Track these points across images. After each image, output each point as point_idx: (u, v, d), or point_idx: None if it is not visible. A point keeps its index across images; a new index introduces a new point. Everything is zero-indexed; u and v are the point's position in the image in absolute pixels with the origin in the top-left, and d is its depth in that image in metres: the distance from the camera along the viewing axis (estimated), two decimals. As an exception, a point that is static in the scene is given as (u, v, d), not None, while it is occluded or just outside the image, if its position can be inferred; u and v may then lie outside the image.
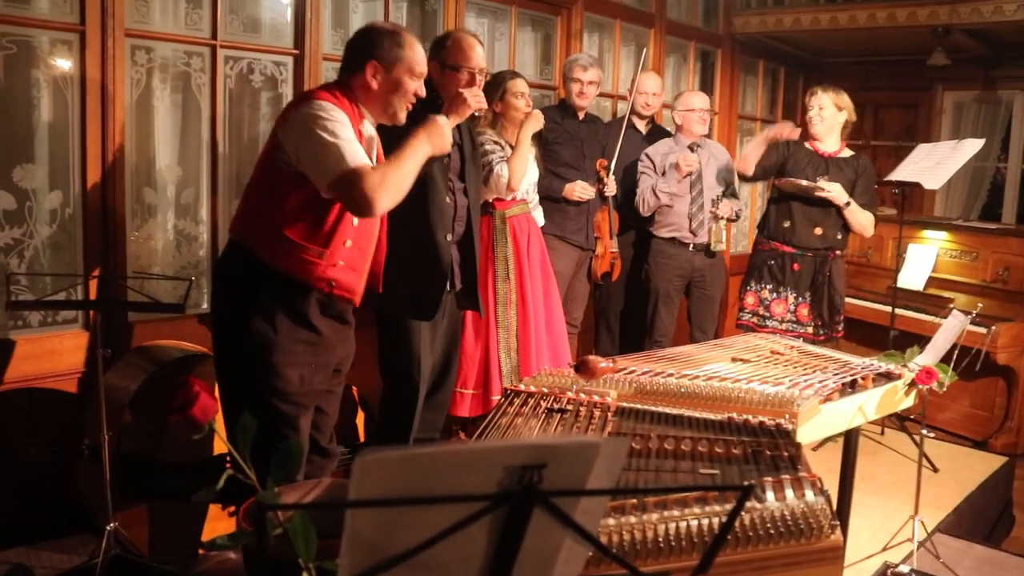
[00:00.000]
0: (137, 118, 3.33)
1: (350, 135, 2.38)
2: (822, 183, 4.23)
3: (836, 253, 4.38)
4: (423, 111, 3.01)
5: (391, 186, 2.33)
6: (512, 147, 3.76)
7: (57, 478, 3.08)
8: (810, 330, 4.34)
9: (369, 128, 2.61)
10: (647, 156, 4.63)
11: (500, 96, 3.80)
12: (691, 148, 4.61)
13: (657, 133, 4.93)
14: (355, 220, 2.47)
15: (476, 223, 3.41)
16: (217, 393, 2.74)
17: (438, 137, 2.50)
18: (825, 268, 4.34)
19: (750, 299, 4.46)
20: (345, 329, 2.69)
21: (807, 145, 4.45)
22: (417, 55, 2.57)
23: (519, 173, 3.69)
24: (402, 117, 2.60)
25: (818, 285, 4.33)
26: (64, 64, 3.10)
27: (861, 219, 4.31)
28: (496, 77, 3.83)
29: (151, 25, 3.32)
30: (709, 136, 5.01)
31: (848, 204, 4.24)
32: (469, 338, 3.81)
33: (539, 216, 4.17)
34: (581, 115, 4.53)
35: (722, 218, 4.57)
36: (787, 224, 4.34)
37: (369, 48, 2.54)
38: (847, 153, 4.41)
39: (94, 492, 2.86)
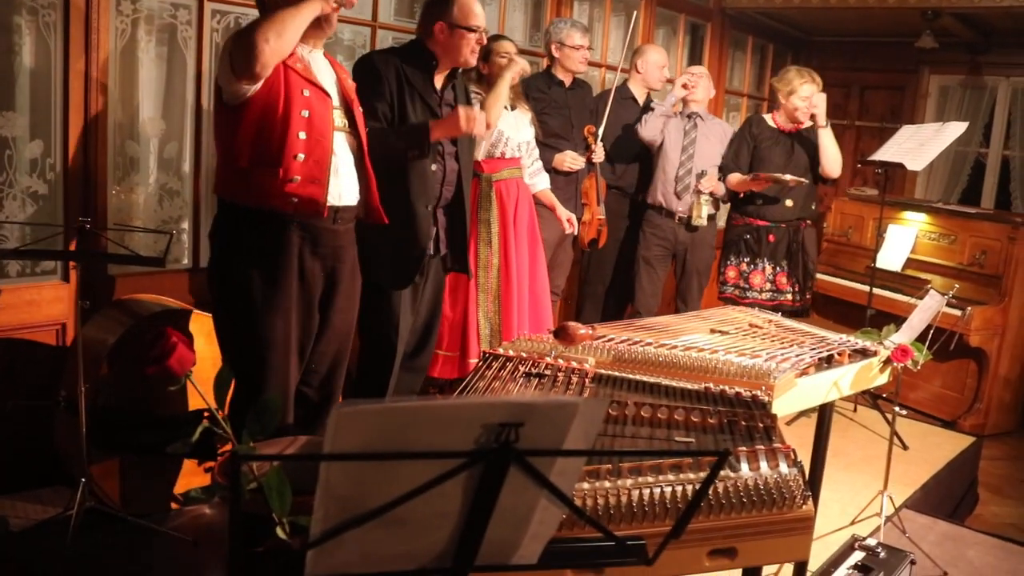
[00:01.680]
0: (121, 69, 3.28)
1: None
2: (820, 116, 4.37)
3: (807, 223, 4.57)
4: (413, 65, 3.02)
5: (263, 31, 2.33)
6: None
7: (33, 429, 3.07)
8: (789, 297, 4.54)
9: (314, 56, 2.63)
10: (654, 107, 4.71)
11: (485, 57, 3.77)
12: (689, 117, 4.64)
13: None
14: (301, 133, 2.47)
15: (467, 188, 3.39)
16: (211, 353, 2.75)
17: None
18: (798, 236, 4.52)
19: (731, 272, 4.60)
20: (343, 273, 2.71)
21: (769, 122, 4.56)
22: None
23: (495, 112, 3.60)
24: (333, 22, 2.62)
25: (793, 252, 4.52)
26: (47, 11, 3.04)
27: (834, 150, 4.43)
28: None
29: (137, -25, 3.27)
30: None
31: (826, 125, 4.40)
32: (447, 299, 3.81)
33: (543, 180, 4.18)
34: (567, 82, 4.50)
35: (703, 193, 4.59)
36: (759, 200, 4.51)
37: None
38: (808, 123, 4.52)
39: (70, 444, 2.85)
